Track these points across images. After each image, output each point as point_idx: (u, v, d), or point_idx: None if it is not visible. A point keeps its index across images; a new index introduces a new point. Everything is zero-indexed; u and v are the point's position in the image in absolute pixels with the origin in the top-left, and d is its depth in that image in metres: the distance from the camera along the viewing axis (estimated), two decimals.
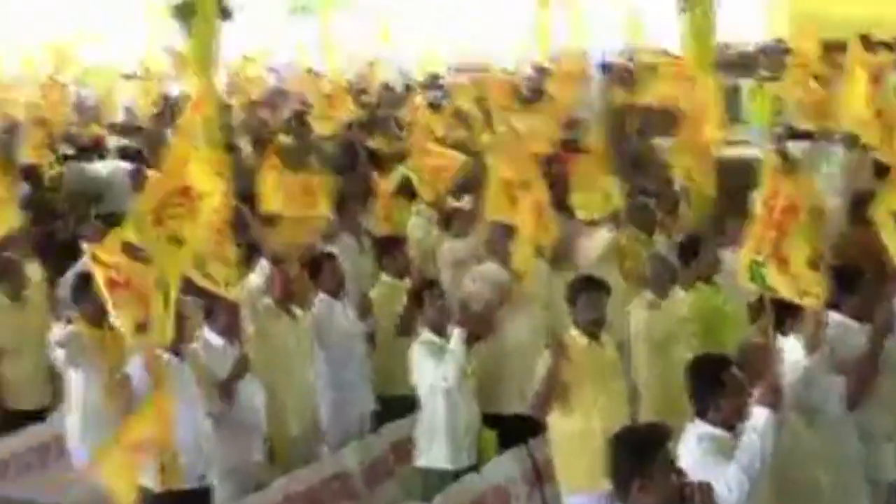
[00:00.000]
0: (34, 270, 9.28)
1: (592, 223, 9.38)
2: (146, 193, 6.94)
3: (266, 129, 16.35)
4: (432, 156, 10.84)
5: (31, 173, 13.84)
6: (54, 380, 8.60)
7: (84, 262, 7.69)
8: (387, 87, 21.96)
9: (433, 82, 22.33)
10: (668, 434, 4.94)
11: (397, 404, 8.08)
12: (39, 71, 24.60)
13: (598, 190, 9.63)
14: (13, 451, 8.18)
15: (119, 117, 20.68)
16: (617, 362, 7.24)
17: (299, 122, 16.49)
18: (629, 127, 14.69)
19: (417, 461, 7.52)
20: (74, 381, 7.76)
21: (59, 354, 7.77)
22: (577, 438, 6.85)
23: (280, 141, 14.28)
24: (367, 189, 10.87)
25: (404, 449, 7.70)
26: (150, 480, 6.75)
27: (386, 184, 10.77)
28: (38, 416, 8.62)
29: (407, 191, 10.80)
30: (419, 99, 17.14)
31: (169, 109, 18.53)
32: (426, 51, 25.26)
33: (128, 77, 24.61)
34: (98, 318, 7.30)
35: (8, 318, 8.73)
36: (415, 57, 25.28)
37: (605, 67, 19.37)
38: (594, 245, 9.01)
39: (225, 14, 12.28)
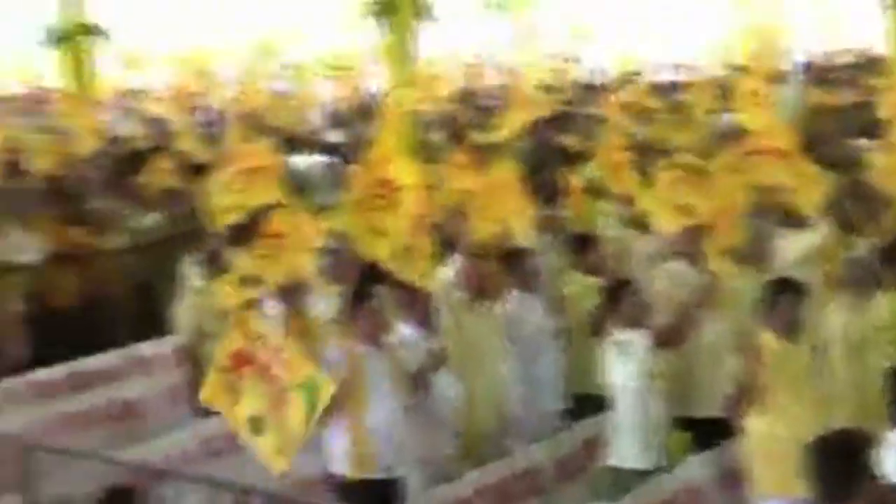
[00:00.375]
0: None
1: (792, 224, 9.20)
2: (351, 185, 7.08)
3: (458, 125, 16.50)
4: (618, 153, 10.80)
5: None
6: None
7: None
8: (580, 85, 21.93)
9: (628, 80, 22.22)
10: (870, 440, 4.84)
11: (590, 402, 8.07)
12: (243, 67, 25.34)
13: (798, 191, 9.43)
14: (212, 434, 8.39)
15: (319, 113, 21.11)
16: (812, 366, 7.11)
17: (489, 118, 16.58)
18: (828, 127, 14.36)
19: (608, 460, 7.51)
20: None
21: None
22: (771, 442, 6.76)
23: (472, 137, 14.39)
24: (558, 186, 10.88)
25: (595, 447, 7.69)
26: (343, 468, 6.91)
27: (577, 180, 10.76)
28: None
29: (597, 188, 10.78)
30: (614, 97, 17.05)
31: (367, 105, 18.86)
32: (621, 49, 25.15)
33: (328, 73, 25.12)
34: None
35: (209, 302, 8.99)
36: (610, 55, 25.19)
37: (804, 67, 19.00)
38: (793, 247, 8.84)
39: (423, 12, 12.44)
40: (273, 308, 7.99)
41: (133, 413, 9.11)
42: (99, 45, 17.68)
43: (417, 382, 7.23)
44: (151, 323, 11.00)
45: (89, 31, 17.10)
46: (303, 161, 14.58)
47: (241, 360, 6.21)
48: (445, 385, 7.45)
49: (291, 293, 8.02)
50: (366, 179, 6.84)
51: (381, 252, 6.66)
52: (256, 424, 6.18)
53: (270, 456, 6.13)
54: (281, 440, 6.09)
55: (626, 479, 7.27)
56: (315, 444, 7.20)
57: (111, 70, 23.19)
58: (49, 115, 20.99)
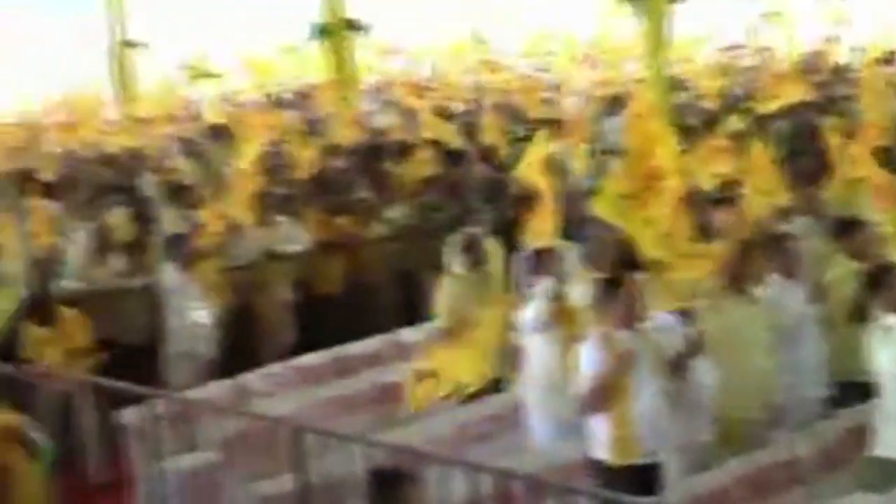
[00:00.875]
0: (493, 245, 9.73)
1: None
2: (623, 174, 7.12)
3: (715, 109, 16.29)
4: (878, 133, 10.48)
5: (487, 154, 14.47)
6: (508, 352, 8.99)
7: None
8: (839, 67, 21.32)
9: (888, 59, 21.46)
10: None
11: (854, 390, 7.86)
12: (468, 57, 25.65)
13: None
14: (470, 420, 8.55)
15: (576, 101, 21.14)
16: None
17: (745, 102, 16.31)
18: None
19: (873, 450, 7.30)
20: (533, 351, 8.07)
21: (521, 322, 8.10)
22: None
23: (729, 121, 14.18)
24: (822, 169, 10.62)
25: (860, 436, 7.48)
26: (605, 454, 6.95)
27: (838, 163, 10.48)
28: (495, 385, 8.98)
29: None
30: (872, 77, 16.49)
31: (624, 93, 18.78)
32: (882, 28, 24.30)
33: (586, 61, 25.20)
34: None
35: (469, 288, 9.14)
36: (867, 35, 24.38)
37: None
38: None
39: None
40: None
41: (394, 398, 9.32)
42: (359, 39, 18.15)
43: (675, 368, 7.20)
44: (413, 309, 11.29)
45: (351, 26, 17.57)
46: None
47: None
48: (703, 371, 7.39)
49: None
50: (631, 166, 6.87)
51: (643, 238, 6.67)
52: None
53: None
54: None
55: (893, 470, 7.06)
56: (575, 428, 7.28)
57: (369, 63, 23.85)
58: (314, 109, 21.75)
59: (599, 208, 7.03)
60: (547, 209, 8.17)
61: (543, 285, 8.08)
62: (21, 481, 7.63)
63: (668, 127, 8.31)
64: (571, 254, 8.80)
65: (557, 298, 8.00)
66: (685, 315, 7.43)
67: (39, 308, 10.03)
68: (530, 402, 8.16)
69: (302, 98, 24.40)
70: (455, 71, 26.57)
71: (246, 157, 13.01)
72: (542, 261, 8.17)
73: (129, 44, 20.94)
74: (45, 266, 10.97)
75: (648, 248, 6.77)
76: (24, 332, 9.81)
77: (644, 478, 6.91)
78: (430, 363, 7.26)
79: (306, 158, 14.57)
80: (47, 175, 15.40)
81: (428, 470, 6.53)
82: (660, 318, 7.38)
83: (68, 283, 11.16)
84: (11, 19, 27.68)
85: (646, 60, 12.55)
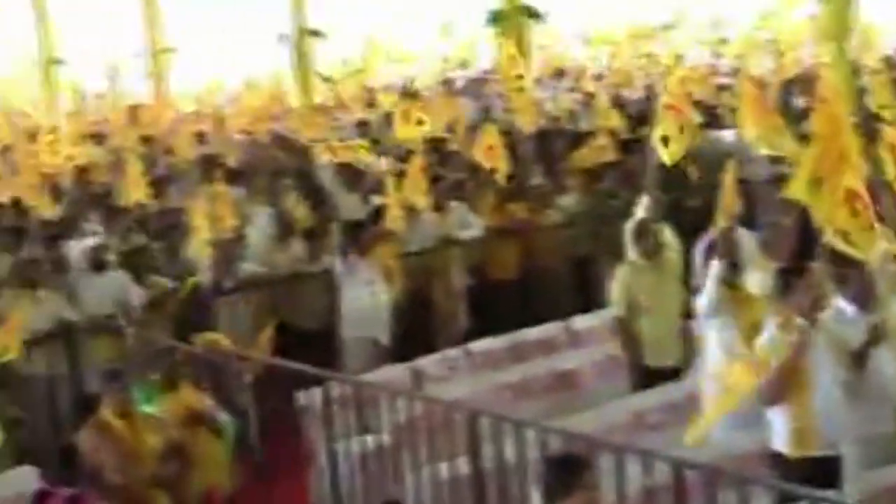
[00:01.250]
0: (668, 234, 9.63)
1: None
2: (811, 158, 7.03)
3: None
4: None
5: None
6: (688, 340, 8.93)
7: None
8: None
9: None
10: None
11: None
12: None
13: None
14: (647, 407, 8.49)
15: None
16: None
17: None
18: None
19: None
20: (709, 339, 7.99)
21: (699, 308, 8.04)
22: None
23: None
24: None
25: None
26: (784, 445, 6.84)
27: None
28: (673, 374, 8.92)
29: None
30: None
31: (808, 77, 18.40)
32: None
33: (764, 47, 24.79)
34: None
35: (645, 277, 9.08)
36: None
37: None
38: None
39: None
40: None
41: (568, 385, 9.33)
42: (534, 26, 18.13)
43: (856, 359, 7.04)
44: (588, 296, 11.27)
45: (529, 13, 17.56)
46: (728, 134, 14.42)
47: None
48: (885, 361, 7.20)
49: None
50: (819, 150, 6.77)
51: (831, 226, 6.57)
52: None
53: None
54: None
55: None
56: (753, 419, 7.17)
57: (544, 50, 23.84)
58: (488, 96, 21.82)
59: (791, 192, 6.92)
60: (727, 196, 8.07)
61: (715, 269, 7.98)
62: (203, 460, 7.86)
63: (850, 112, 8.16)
64: (750, 241, 8.68)
65: (732, 285, 7.90)
66: (866, 304, 7.26)
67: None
68: (706, 391, 8.07)
69: (476, 84, 24.50)
70: (629, 58, 26.37)
71: (418, 143, 13.13)
72: (720, 247, 8.06)
73: (309, 32, 21.28)
74: (229, 249, 11.26)
75: (832, 234, 6.63)
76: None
77: (823, 470, 6.77)
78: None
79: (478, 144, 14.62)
80: (230, 161, 15.77)
81: (602, 457, 6.50)
82: (840, 307, 7.25)
83: (250, 267, 11.44)
84: (196, 9, 28.43)
85: (828, 46, 12.25)
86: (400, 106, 16.34)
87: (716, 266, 7.97)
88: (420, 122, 14.85)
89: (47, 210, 13.73)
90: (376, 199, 12.45)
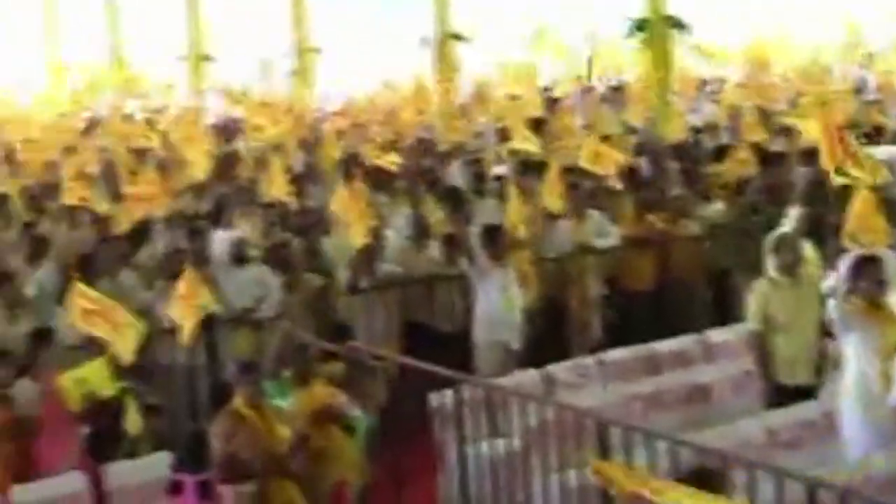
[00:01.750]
0: (809, 249, 9.50)
1: None
2: None
3: None
4: None
5: (808, 156, 14.11)
6: (823, 359, 8.79)
7: None
8: None
9: None
10: None
11: None
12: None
13: None
14: (781, 424, 8.36)
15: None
16: None
17: None
18: None
19: None
20: (849, 357, 7.87)
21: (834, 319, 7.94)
22: None
23: None
24: None
25: None
26: None
27: None
28: (806, 393, 8.79)
29: None
30: None
31: None
32: None
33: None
34: None
35: (782, 292, 8.93)
36: None
37: None
38: None
39: None
40: None
41: (701, 398, 9.25)
42: (678, 37, 17.99)
43: None
44: (725, 310, 11.15)
45: (672, 23, 17.41)
46: (882, 152, 14.14)
47: None
48: None
49: None
50: None
51: None
52: None
53: None
54: None
55: None
56: (892, 437, 7.05)
57: (688, 62, 23.65)
58: (626, 105, 21.72)
59: None
60: (869, 213, 7.94)
61: (860, 287, 7.84)
62: (334, 455, 7.96)
63: None
64: (894, 260, 8.52)
65: (876, 303, 7.76)
66: None
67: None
68: (845, 410, 7.93)
69: (616, 93, 24.39)
70: (773, 70, 26.00)
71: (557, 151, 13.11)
72: (862, 265, 7.92)
73: (454, 36, 21.39)
74: (369, 249, 11.38)
75: None
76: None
77: None
78: None
79: (620, 154, 14.56)
80: (370, 161, 15.94)
81: (736, 473, 6.44)
82: None
83: (387, 267, 11.55)
84: (340, 11, 28.76)
85: None
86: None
87: (861, 284, 7.84)
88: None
89: (189, 204, 14.02)
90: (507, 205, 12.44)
